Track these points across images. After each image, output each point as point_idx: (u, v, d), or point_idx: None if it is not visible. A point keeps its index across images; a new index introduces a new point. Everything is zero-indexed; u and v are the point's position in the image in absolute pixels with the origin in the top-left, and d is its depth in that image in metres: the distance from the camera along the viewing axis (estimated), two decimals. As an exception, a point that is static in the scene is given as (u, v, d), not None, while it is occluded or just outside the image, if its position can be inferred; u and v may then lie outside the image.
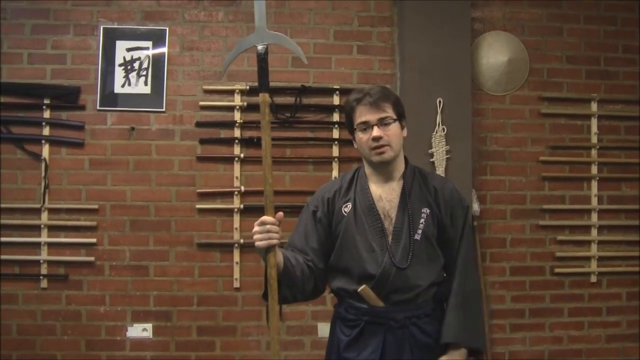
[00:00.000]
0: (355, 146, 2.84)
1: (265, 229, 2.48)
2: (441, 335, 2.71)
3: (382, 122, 2.71)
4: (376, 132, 2.69)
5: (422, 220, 2.74)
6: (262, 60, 2.62)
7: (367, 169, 2.85)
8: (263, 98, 2.59)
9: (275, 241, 2.49)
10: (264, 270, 2.56)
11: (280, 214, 2.53)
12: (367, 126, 2.71)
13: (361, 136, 2.74)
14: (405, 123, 2.83)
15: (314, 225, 2.81)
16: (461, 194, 2.92)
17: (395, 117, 2.74)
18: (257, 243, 2.50)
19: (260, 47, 2.62)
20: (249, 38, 2.68)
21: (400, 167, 2.83)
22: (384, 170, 2.79)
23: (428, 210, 2.77)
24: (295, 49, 2.75)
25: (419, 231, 2.72)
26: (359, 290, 2.68)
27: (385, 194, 2.78)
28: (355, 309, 2.74)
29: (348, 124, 2.83)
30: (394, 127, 2.73)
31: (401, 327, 2.68)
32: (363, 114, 2.72)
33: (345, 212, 2.78)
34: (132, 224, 4.71)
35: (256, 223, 2.52)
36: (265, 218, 2.50)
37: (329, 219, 2.82)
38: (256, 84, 4.61)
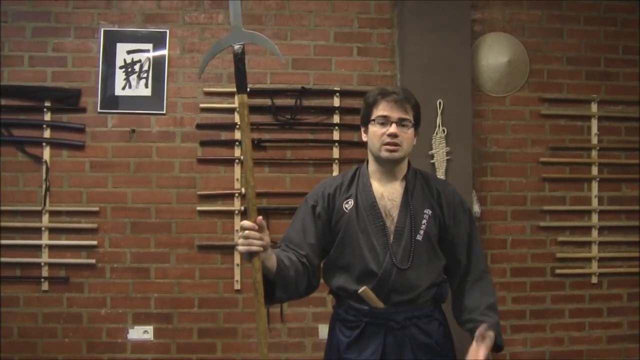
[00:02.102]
0: (364, 139, 2.84)
1: (244, 235, 2.46)
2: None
3: (401, 123, 2.72)
4: (394, 129, 2.69)
5: (424, 221, 2.75)
6: (239, 60, 2.56)
7: (371, 166, 2.85)
8: (241, 99, 2.53)
9: (255, 248, 2.46)
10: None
11: (260, 218, 2.49)
12: (386, 121, 2.72)
13: (376, 129, 2.74)
14: (418, 132, 2.85)
15: (313, 220, 2.81)
16: (462, 197, 2.94)
17: (413, 122, 2.76)
18: (239, 248, 2.50)
19: (236, 47, 2.55)
20: (225, 38, 2.62)
21: (403, 169, 2.84)
22: (387, 169, 2.79)
23: (430, 211, 2.78)
24: (272, 47, 2.71)
25: (421, 232, 2.73)
26: (359, 291, 2.68)
27: (387, 193, 2.79)
28: (355, 310, 2.74)
29: (364, 115, 2.82)
30: (410, 132, 2.76)
31: (401, 327, 2.69)
32: (386, 109, 2.72)
33: (346, 208, 2.78)
34: (133, 226, 4.72)
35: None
36: (244, 223, 2.48)
37: (328, 214, 2.81)
38: (256, 85, 4.67)
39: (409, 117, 2.74)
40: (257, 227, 2.47)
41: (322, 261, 2.86)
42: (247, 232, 2.46)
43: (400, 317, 2.69)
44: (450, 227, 2.81)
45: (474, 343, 2.61)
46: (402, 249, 2.70)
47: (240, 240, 2.47)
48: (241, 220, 4.58)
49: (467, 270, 2.83)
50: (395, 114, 2.71)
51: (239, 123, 4.62)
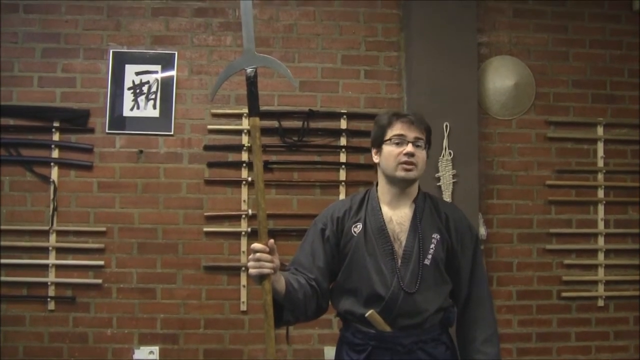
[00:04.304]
0: (376, 160, 2.84)
1: (256, 257, 2.47)
2: None
3: (417, 143, 2.74)
4: (411, 148, 2.71)
5: (432, 246, 2.75)
6: (252, 83, 2.57)
7: (382, 188, 2.85)
8: (253, 122, 2.56)
9: (267, 270, 2.47)
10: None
11: (271, 241, 2.51)
12: (402, 140, 2.73)
13: (392, 149, 2.74)
14: (429, 154, 2.86)
15: (322, 243, 2.81)
16: (470, 222, 2.95)
17: (426, 143, 2.78)
18: (249, 271, 2.50)
19: (249, 70, 2.57)
20: (237, 61, 2.65)
21: (414, 191, 2.85)
22: (399, 190, 2.80)
23: (438, 236, 2.78)
24: (285, 71, 2.73)
25: (429, 256, 2.73)
26: (366, 315, 2.68)
27: (396, 217, 2.79)
28: (362, 333, 2.74)
29: (377, 136, 2.82)
30: (424, 153, 2.78)
31: (408, 351, 2.68)
32: (402, 129, 2.74)
33: (355, 232, 2.79)
34: (140, 247, 4.73)
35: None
36: (255, 246, 2.49)
37: (337, 238, 2.81)
38: (263, 107, 4.68)
39: (423, 137, 2.77)
40: (268, 249, 2.49)
41: (331, 284, 2.86)
42: (258, 254, 2.47)
43: (407, 341, 2.68)
44: (457, 252, 2.81)
45: None
46: (410, 273, 2.70)
47: (251, 263, 2.48)
48: (248, 241, 4.65)
49: (468, 295, 2.83)
50: (411, 134, 2.74)
51: (247, 145, 4.72)
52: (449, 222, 2.83)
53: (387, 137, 2.76)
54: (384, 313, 2.69)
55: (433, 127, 4.54)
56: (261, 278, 2.49)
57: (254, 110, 2.57)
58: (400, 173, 2.73)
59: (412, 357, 2.68)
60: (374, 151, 2.86)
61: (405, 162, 2.72)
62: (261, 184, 2.54)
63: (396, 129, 2.75)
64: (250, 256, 2.50)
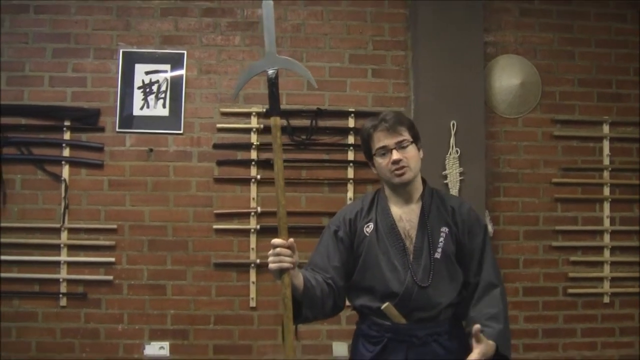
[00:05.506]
0: (375, 171, 2.90)
1: (276, 252, 2.52)
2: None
3: (400, 146, 2.77)
4: (395, 155, 2.75)
5: (441, 239, 2.80)
6: (273, 84, 2.65)
7: (387, 191, 2.91)
8: (274, 122, 2.62)
9: (286, 265, 2.51)
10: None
11: (291, 240, 2.54)
12: (386, 151, 2.78)
13: (380, 161, 2.80)
14: (421, 145, 2.89)
15: (336, 244, 2.86)
16: (478, 213, 2.99)
17: (411, 139, 2.81)
18: (269, 265, 2.54)
19: (270, 72, 2.64)
20: (259, 63, 2.71)
21: (418, 188, 2.90)
22: (403, 191, 2.85)
23: (447, 230, 2.83)
24: (305, 73, 2.80)
25: (439, 250, 2.78)
26: (382, 307, 2.73)
27: (405, 215, 2.84)
28: (377, 325, 2.79)
29: (366, 151, 2.90)
30: (412, 149, 2.80)
31: (423, 343, 2.73)
32: (381, 140, 2.79)
33: (367, 232, 2.84)
34: (150, 244, 4.77)
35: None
36: (275, 241, 2.53)
37: (350, 238, 2.87)
38: (273, 106, 4.70)
39: (406, 137, 2.80)
40: (287, 244, 2.53)
41: (347, 284, 2.89)
42: (278, 249, 2.51)
43: (422, 333, 2.73)
44: (465, 243, 2.86)
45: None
46: (422, 268, 2.75)
47: (271, 258, 2.52)
48: (257, 238, 4.69)
49: (476, 282, 2.86)
50: (391, 141, 2.78)
51: (256, 143, 4.76)
52: (455, 215, 2.88)
53: (373, 151, 2.83)
54: (399, 307, 2.73)
55: (440, 125, 4.69)
56: (281, 272, 2.52)
57: (275, 111, 2.64)
58: (396, 179, 2.80)
59: (426, 349, 2.73)
60: (370, 164, 2.93)
61: (396, 169, 2.77)
62: (281, 181, 2.60)
63: (377, 141, 2.81)
64: (270, 251, 2.53)
